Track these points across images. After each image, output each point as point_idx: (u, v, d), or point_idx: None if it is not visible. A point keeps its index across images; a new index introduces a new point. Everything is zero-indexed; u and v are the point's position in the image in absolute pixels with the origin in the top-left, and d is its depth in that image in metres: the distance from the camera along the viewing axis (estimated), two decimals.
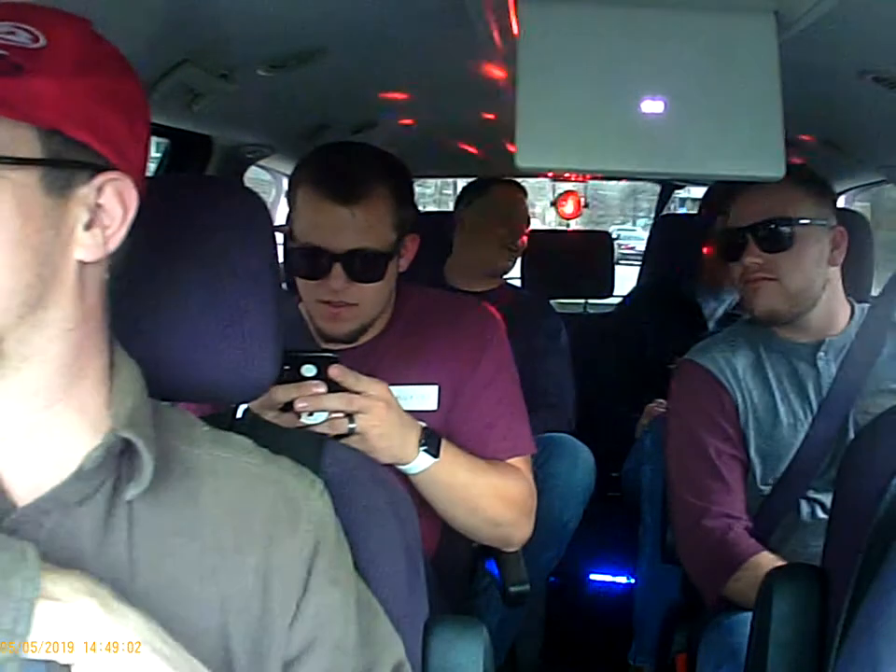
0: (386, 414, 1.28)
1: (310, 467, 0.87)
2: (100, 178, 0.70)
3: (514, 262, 2.71)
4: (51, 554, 0.67)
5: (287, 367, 1.23)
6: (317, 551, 0.79)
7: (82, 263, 0.70)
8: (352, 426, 1.26)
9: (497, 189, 2.67)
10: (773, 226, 1.62)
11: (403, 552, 0.98)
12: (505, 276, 2.77)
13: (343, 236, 1.38)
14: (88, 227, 0.70)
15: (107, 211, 0.71)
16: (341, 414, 1.26)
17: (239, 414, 1.22)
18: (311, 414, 1.25)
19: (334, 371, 1.25)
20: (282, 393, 1.23)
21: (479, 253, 2.60)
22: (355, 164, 1.41)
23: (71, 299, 0.70)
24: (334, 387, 1.26)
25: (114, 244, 0.72)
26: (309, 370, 1.25)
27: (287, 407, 1.24)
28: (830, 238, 1.65)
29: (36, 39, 0.69)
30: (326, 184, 1.38)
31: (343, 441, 1.23)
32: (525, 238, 2.67)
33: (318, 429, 1.23)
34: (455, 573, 1.65)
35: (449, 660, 1.04)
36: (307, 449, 0.92)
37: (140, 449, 0.72)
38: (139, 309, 0.85)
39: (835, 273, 1.67)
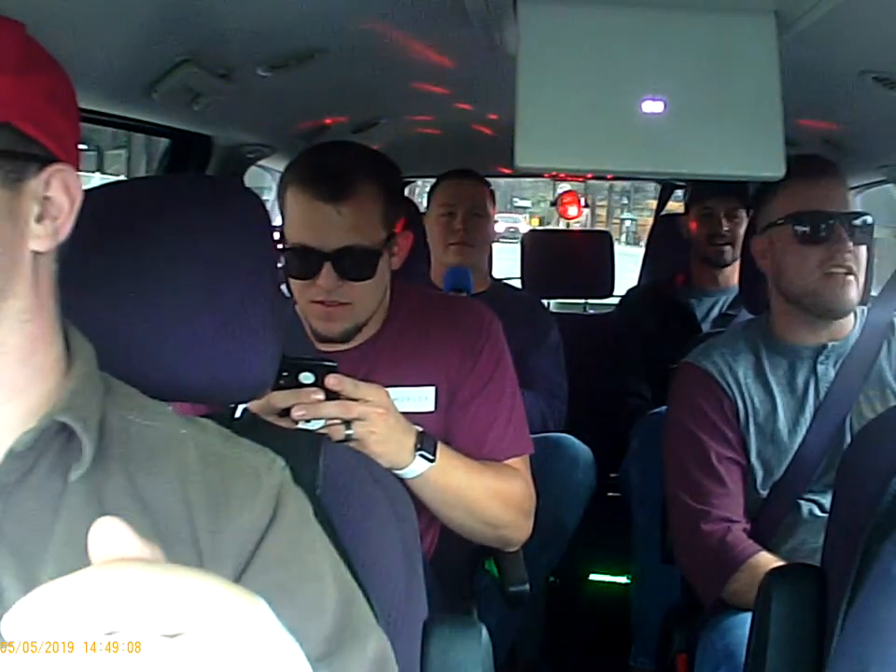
0: (385, 421, 1.28)
1: (309, 466, 0.86)
2: (47, 171, 0.72)
3: (471, 257, 2.48)
4: (2, 539, 0.68)
5: (285, 373, 1.22)
6: (271, 527, 0.78)
7: (36, 254, 0.72)
8: (349, 432, 1.25)
9: (441, 184, 2.56)
10: (860, 218, 1.57)
11: (402, 551, 0.98)
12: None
13: (332, 235, 1.38)
14: (39, 219, 0.72)
15: (55, 203, 0.73)
16: (338, 421, 1.26)
17: (238, 414, 1.23)
18: (308, 421, 1.24)
19: (331, 382, 1.24)
20: (280, 399, 1.22)
21: (433, 252, 2.53)
22: (341, 163, 1.41)
23: (27, 289, 0.72)
24: (332, 394, 1.24)
25: (63, 234, 0.74)
26: (307, 377, 1.24)
27: (285, 413, 1.23)
28: None
29: None
30: (312, 183, 1.38)
31: None
32: (487, 230, 2.52)
33: None
34: (455, 573, 1.65)
35: (448, 660, 1.03)
36: (306, 449, 0.91)
37: (78, 432, 0.72)
38: (138, 308, 0.85)
39: None
